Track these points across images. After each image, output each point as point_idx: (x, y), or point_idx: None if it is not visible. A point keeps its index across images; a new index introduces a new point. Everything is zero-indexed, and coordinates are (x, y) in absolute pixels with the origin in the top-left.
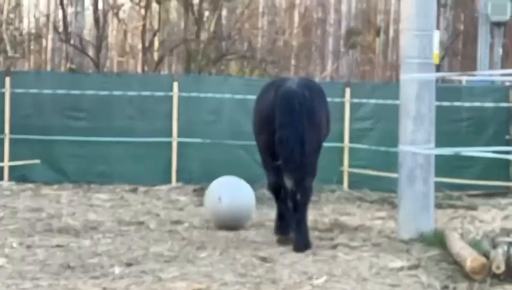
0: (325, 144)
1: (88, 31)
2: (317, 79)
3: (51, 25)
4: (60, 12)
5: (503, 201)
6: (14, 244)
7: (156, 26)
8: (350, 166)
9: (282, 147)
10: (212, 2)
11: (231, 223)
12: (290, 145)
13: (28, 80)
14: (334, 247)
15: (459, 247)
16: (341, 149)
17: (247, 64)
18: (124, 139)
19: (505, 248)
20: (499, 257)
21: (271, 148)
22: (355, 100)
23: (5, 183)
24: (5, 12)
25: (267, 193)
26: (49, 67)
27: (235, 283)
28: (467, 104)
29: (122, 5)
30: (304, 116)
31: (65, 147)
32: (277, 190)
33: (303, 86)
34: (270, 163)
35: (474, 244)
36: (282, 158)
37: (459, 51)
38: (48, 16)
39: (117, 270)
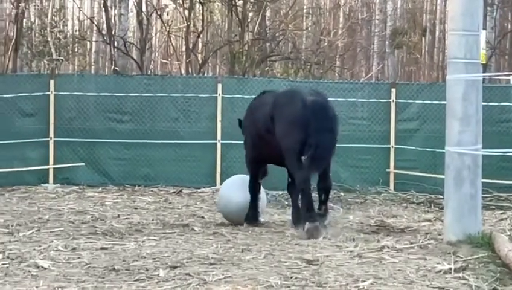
0: (371, 145)
1: (132, 33)
2: (362, 80)
3: (94, 28)
4: (104, 14)
5: None
6: (59, 247)
7: (199, 28)
8: (396, 167)
9: (321, 149)
10: (256, 3)
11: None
12: (328, 147)
13: (72, 82)
14: (381, 249)
15: (507, 249)
16: (387, 150)
17: (291, 66)
18: (168, 141)
19: None
20: None
21: (299, 150)
22: (401, 101)
23: (50, 186)
24: (49, 16)
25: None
26: (93, 70)
27: (281, 286)
28: None
29: (166, 6)
30: (335, 122)
31: (109, 150)
32: (309, 184)
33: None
34: (298, 163)
35: None
36: (318, 157)
37: (506, 50)
38: (91, 19)
39: (162, 273)
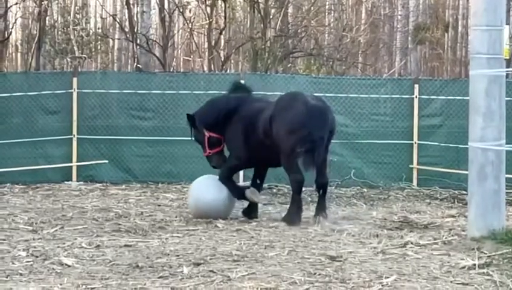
0: (394, 141)
1: (154, 30)
2: (385, 76)
3: (117, 25)
4: (126, 12)
5: None
6: (83, 245)
7: (222, 25)
8: (419, 163)
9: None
10: None
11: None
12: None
13: (94, 80)
14: (404, 245)
15: None
16: (410, 146)
17: (314, 62)
18: (191, 138)
19: None
20: None
21: (298, 153)
22: (424, 97)
23: (74, 183)
24: (72, 13)
25: (334, 191)
26: (115, 67)
27: (304, 282)
28: None
29: (188, 3)
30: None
31: (132, 147)
32: (302, 185)
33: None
34: (296, 164)
35: None
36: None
37: None
38: (114, 16)
39: (185, 270)
